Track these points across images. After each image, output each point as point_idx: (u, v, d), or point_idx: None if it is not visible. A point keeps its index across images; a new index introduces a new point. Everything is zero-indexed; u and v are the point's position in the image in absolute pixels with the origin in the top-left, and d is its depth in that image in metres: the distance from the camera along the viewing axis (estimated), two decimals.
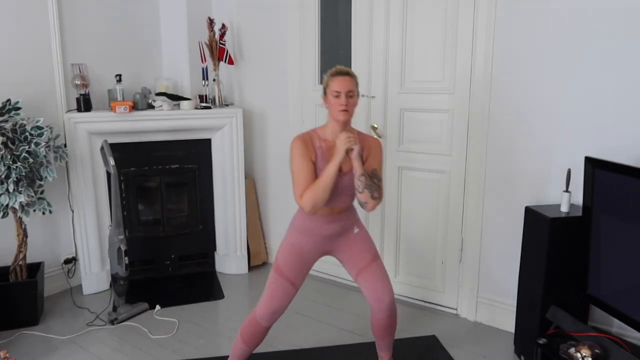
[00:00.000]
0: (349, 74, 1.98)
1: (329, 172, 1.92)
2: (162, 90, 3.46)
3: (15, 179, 2.58)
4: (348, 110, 1.95)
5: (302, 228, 2.11)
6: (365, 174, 1.95)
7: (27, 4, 2.92)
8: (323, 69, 3.32)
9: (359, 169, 1.95)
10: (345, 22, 3.14)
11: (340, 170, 1.96)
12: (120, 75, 3.21)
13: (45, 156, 2.73)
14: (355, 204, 2.13)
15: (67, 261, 3.27)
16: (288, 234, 2.15)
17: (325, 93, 2.00)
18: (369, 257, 2.13)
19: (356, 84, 2.00)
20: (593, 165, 2.08)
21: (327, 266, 3.47)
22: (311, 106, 3.37)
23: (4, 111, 2.66)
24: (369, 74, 3.05)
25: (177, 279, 3.50)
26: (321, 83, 2.04)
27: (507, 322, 2.72)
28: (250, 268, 3.64)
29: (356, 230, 2.15)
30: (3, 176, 2.56)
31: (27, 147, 2.63)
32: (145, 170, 3.40)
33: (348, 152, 1.94)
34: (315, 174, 1.97)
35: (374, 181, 1.99)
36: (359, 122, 3.12)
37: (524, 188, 2.61)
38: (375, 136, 3.05)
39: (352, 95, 1.96)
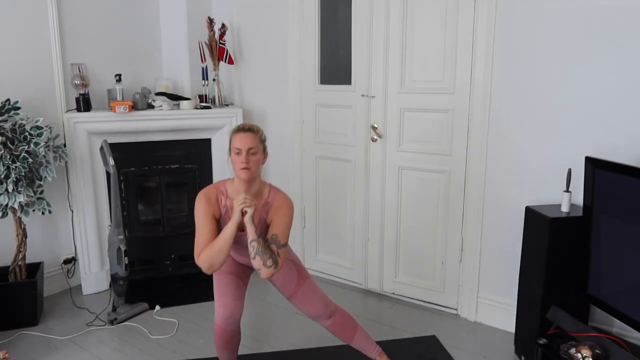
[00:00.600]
0: (252, 130, 1.92)
1: (224, 235, 1.86)
2: (162, 90, 3.45)
3: (14, 179, 2.58)
4: (249, 169, 1.87)
5: None
6: (258, 239, 1.87)
7: (27, 4, 2.92)
8: (323, 69, 3.32)
9: (251, 234, 1.86)
10: (345, 22, 3.14)
11: (242, 230, 1.92)
12: (120, 75, 3.21)
13: (44, 156, 2.73)
14: None
15: (67, 261, 3.27)
16: None
17: (230, 150, 1.94)
18: (292, 286, 2.13)
19: (260, 140, 1.93)
20: (593, 165, 2.08)
21: (327, 266, 3.46)
22: (311, 106, 3.37)
23: (3, 111, 2.65)
24: (368, 74, 3.04)
25: (177, 279, 3.49)
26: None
27: (507, 322, 2.72)
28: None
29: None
30: (2, 176, 2.56)
31: (26, 147, 2.63)
32: (145, 170, 3.39)
33: (242, 214, 1.87)
34: (217, 232, 1.92)
35: (271, 247, 1.90)
36: (359, 123, 3.12)
37: (524, 188, 2.60)
38: (377, 136, 3.05)
39: (254, 152, 1.88)
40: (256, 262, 1.88)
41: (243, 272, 2.15)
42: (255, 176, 1.93)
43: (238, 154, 1.88)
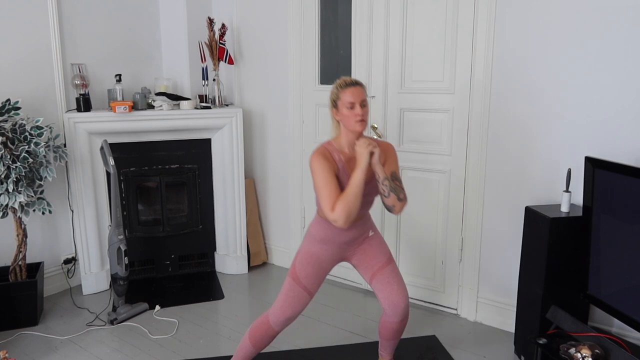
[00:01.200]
0: (359, 84, 1.96)
1: (357, 180, 1.87)
2: (162, 90, 3.45)
3: (14, 179, 2.58)
4: (364, 120, 1.93)
5: (321, 237, 2.09)
6: (388, 177, 1.95)
7: (27, 4, 2.92)
8: (323, 69, 3.32)
9: (381, 173, 1.93)
10: (345, 22, 3.14)
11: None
12: (120, 75, 3.21)
13: (44, 156, 2.73)
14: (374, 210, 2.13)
15: (67, 261, 3.27)
16: (306, 242, 2.15)
17: (335, 106, 1.97)
18: (383, 259, 2.13)
19: (366, 92, 1.99)
20: (593, 165, 2.08)
21: None
22: (311, 106, 3.37)
23: (3, 111, 2.65)
24: (369, 74, 3.04)
25: (177, 279, 3.49)
26: (333, 97, 1.98)
27: (507, 322, 2.72)
28: (250, 268, 3.64)
29: (371, 233, 2.16)
30: (3, 176, 2.56)
31: (26, 147, 2.63)
32: (145, 170, 3.39)
33: (370, 157, 1.91)
34: (340, 187, 1.94)
35: (397, 183, 1.98)
36: None
37: (524, 188, 2.60)
38: (377, 136, 3.05)
39: (365, 104, 1.94)
40: (391, 200, 1.94)
41: (316, 286, 2.13)
42: (366, 128, 1.99)
43: (351, 107, 1.92)
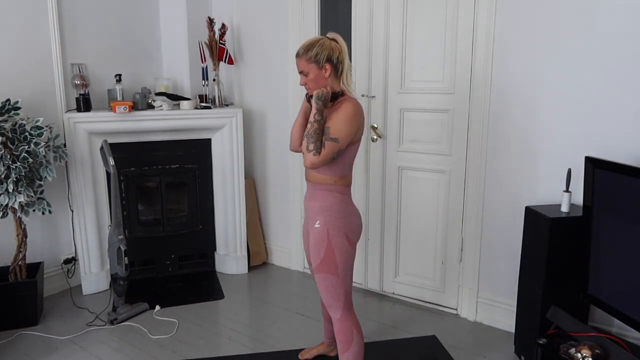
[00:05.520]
0: (298, 54, 1.97)
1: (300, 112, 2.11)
2: (162, 90, 3.45)
3: (14, 179, 2.58)
4: (309, 87, 1.98)
5: None
6: (313, 123, 1.88)
7: (27, 4, 2.92)
8: None
9: (313, 115, 1.90)
10: (345, 22, 3.14)
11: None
12: (120, 75, 3.21)
13: (44, 156, 2.73)
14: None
15: (67, 261, 3.27)
16: None
17: None
18: (314, 264, 2.05)
19: (307, 60, 1.94)
20: (593, 165, 2.08)
21: None
22: None
23: (3, 111, 2.65)
24: (369, 74, 3.04)
25: (177, 279, 3.49)
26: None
27: (507, 322, 2.72)
28: (250, 268, 3.64)
29: (317, 225, 2.02)
30: (2, 176, 2.56)
31: (26, 147, 2.63)
32: (145, 170, 3.39)
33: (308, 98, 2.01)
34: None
35: (318, 133, 1.88)
36: None
37: (524, 188, 2.60)
38: (377, 136, 3.05)
39: (306, 74, 1.96)
40: (303, 145, 1.92)
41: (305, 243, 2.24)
42: (317, 88, 1.95)
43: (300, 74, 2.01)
